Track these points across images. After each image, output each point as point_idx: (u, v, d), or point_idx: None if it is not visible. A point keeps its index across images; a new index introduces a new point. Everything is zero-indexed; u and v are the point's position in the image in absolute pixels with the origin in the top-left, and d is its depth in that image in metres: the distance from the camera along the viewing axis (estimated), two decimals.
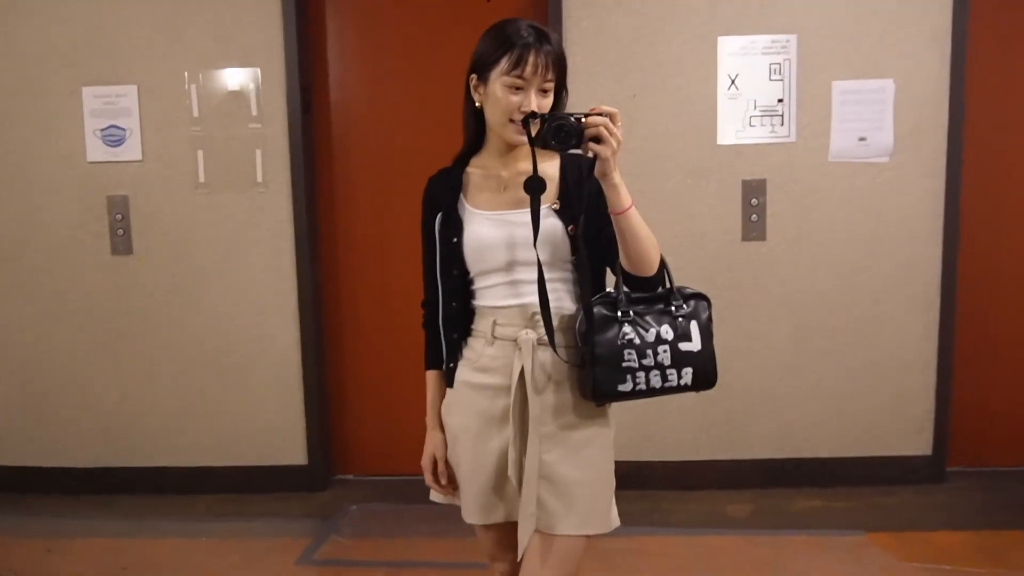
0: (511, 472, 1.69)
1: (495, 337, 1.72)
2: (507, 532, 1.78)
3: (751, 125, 3.37)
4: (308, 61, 3.51)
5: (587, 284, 1.66)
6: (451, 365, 1.79)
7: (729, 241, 3.43)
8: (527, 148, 1.62)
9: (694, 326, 1.66)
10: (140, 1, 3.41)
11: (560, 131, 1.54)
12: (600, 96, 3.11)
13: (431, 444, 1.85)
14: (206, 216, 3.51)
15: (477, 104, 1.71)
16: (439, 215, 1.76)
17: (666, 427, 3.51)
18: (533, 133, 1.58)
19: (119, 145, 3.47)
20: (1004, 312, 3.59)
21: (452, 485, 1.84)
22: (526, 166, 1.64)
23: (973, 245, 3.49)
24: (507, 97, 1.63)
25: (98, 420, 3.64)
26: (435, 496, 1.90)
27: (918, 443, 3.52)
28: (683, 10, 3.34)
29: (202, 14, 3.41)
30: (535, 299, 1.65)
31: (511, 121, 1.65)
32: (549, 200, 1.68)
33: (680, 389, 1.67)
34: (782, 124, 3.37)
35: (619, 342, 1.62)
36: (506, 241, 1.68)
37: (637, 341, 1.63)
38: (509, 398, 1.70)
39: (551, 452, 1.70)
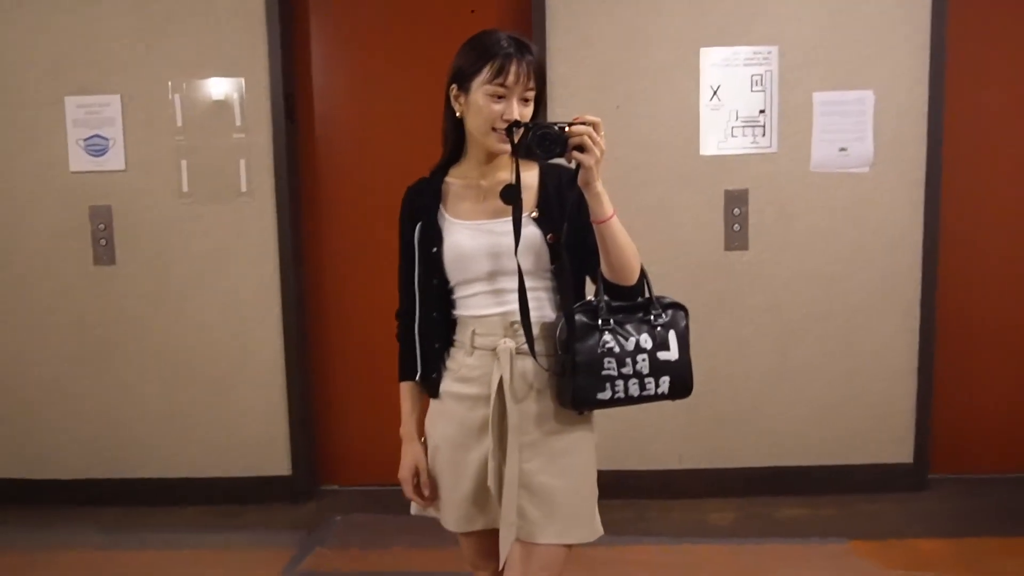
0: (491, 482, 1.69)
1: (474, 347, 1.72)
2: (489, 540, 1.78)
3: (733, 135, 3.39)
4: (292, 70, 3.52)
5: (568, 292, 1.67)
6: (434, 376, 1.79)
7: (712, 250, 3.45)
8: (507, 158, 1.64)
9: (672, 336, 1.68)
10: (123, 11, 3.41)
11: (544, 140, 1.54)
12: (584, 106, 3.11)
13: (409, 456, 1.84)
14: (190, 226, 3.50)
15: (458, 114, 1.71)
16: (418, 225, 1.76)
17: (649, 436, 3.52)
18: (516, 142, 1.59)
19: (102, 155, 3.46)
20: (984, 320, 3.62)
21: (433, 496, 1.83)
22: (506, 176, 1.65)
23: (954, 254, 3.52)
24: (489, 106, 1.64)
25: (81, 431, 3.62)
26: (414, 509, 1.89)
27: (900, 451, 3.54)
28: (666, 21, 3.36)
29: (186, 24, 3.40)
30: (516, 308, 1.66)
31: (494, 130, 1.65)
32: (528, 209, 1.68)
33: (657, 398, 1.68)
34: (764, 135, 3.39)
35: (599, 350, 1.63)
36: (487, 250, 1.69)
37: (617, 350, 1.64)
38: (488, 408, 1.70)
39: (531, 461, 1.70)
